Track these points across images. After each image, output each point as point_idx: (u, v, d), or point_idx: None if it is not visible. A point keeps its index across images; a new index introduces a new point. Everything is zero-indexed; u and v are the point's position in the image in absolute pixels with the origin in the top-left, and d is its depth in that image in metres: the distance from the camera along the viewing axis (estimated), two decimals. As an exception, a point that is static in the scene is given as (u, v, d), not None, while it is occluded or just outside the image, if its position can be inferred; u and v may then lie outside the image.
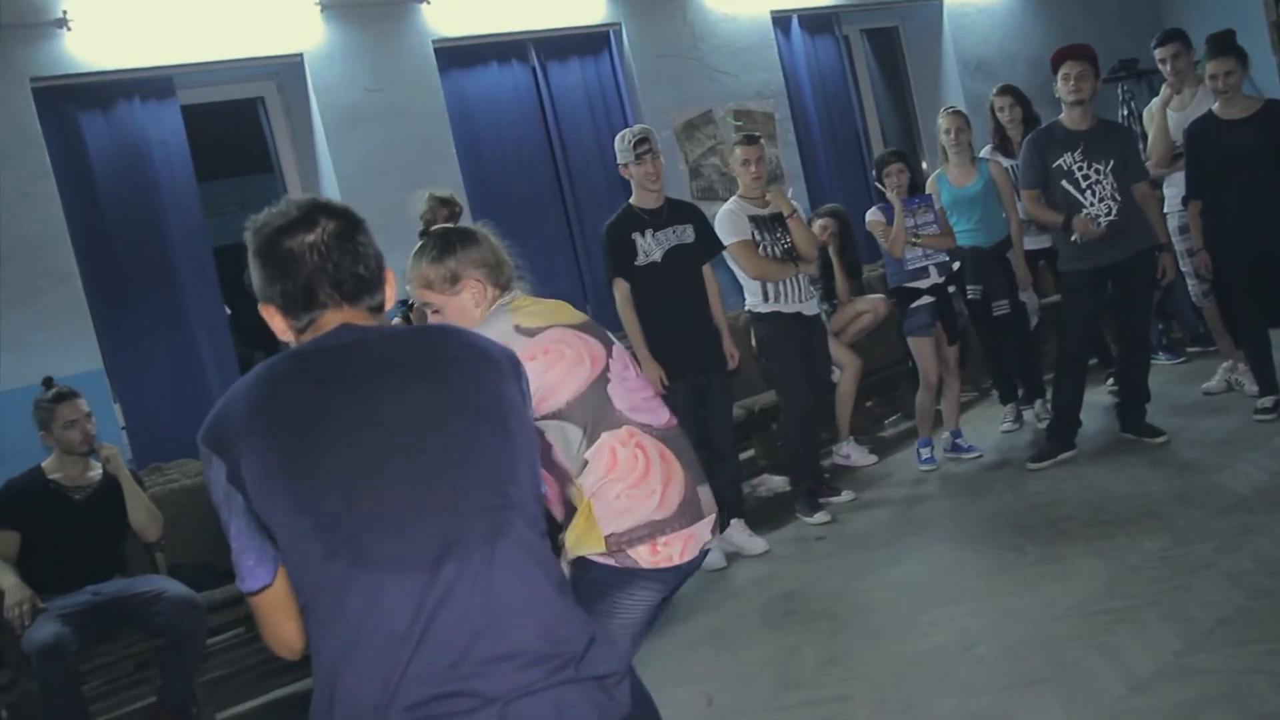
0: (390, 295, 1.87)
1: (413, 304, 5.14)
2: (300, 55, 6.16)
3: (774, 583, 4.68)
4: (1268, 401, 5.22)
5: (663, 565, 2.43)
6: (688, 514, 2.46)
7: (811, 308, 5.46)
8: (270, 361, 1.76)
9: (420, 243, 2.69)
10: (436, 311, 2.61)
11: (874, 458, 6.21)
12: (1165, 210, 5.84)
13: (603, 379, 2.49)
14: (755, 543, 5.10)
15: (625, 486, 2.42)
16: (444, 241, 2.63)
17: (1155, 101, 5.92)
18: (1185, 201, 5.48)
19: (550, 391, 2.42)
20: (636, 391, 2.55)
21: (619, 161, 5.10)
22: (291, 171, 6.51)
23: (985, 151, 6.36)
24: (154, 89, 5.76)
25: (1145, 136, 6.08)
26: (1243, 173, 5.09)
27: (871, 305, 6.29)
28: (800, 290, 5.35)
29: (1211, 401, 5.76)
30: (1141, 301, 5.33)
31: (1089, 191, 5.14)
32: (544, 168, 6.93)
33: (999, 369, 6.35)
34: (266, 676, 4.87)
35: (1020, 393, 6.30)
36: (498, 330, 2.44)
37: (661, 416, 2.56)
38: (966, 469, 5.67)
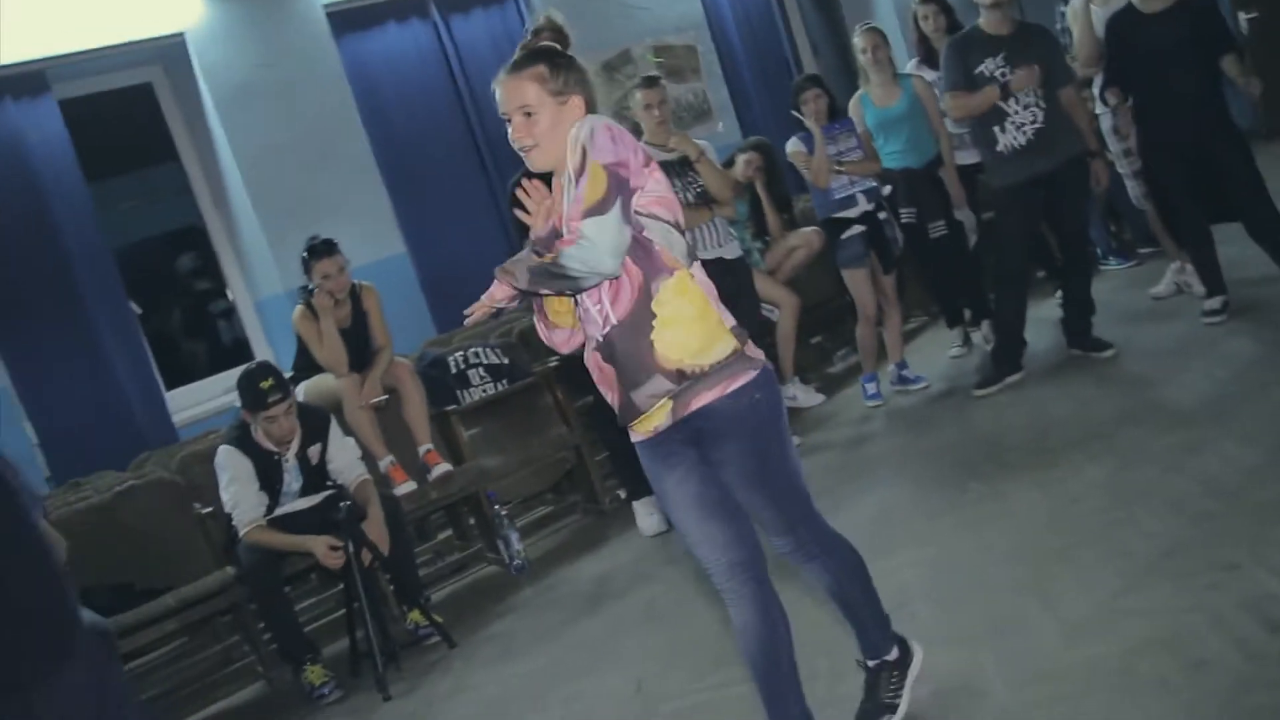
0: None
1: (313, 288, 4.89)
2: (182, 35, 5.86)
3: (714, 545, 4.48)
4: (1215, 303, 5.01)
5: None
6: None
7: (733, 250, 5.21)
8: None
9: (534, 48, 2.48)
10: (529, 115, 2.39)
11: (821, 397, 6.00)
12: (1097, 111, 5.59)
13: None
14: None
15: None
16: (569, 57, 2.48)
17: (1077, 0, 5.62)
18: (1103, 92, 5.18)
19: (665, 203, 2.42)
20: None
21: None
22: (191, 158, 6.23)
23: (911, 66, 6.08)
24: (26, 86, 5.48)
25: (1071, 36, 5.80)
26: (1171, 68, 4.80)
27: (804, 239, 6.05)
28: (718, 234, 5.10)
29: (1161, 307, 5.54)
30: (1075, 211, 5.10)
31: (1012, 99, 4.89)
32: (457, 127, 6.66)
33: (942, 292, 6.13)
34: (200, 692, 4.71)
35: (966, 315, 6.08)
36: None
37: None
38: (913, 401, 5.47)
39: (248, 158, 5.92)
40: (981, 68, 4.93)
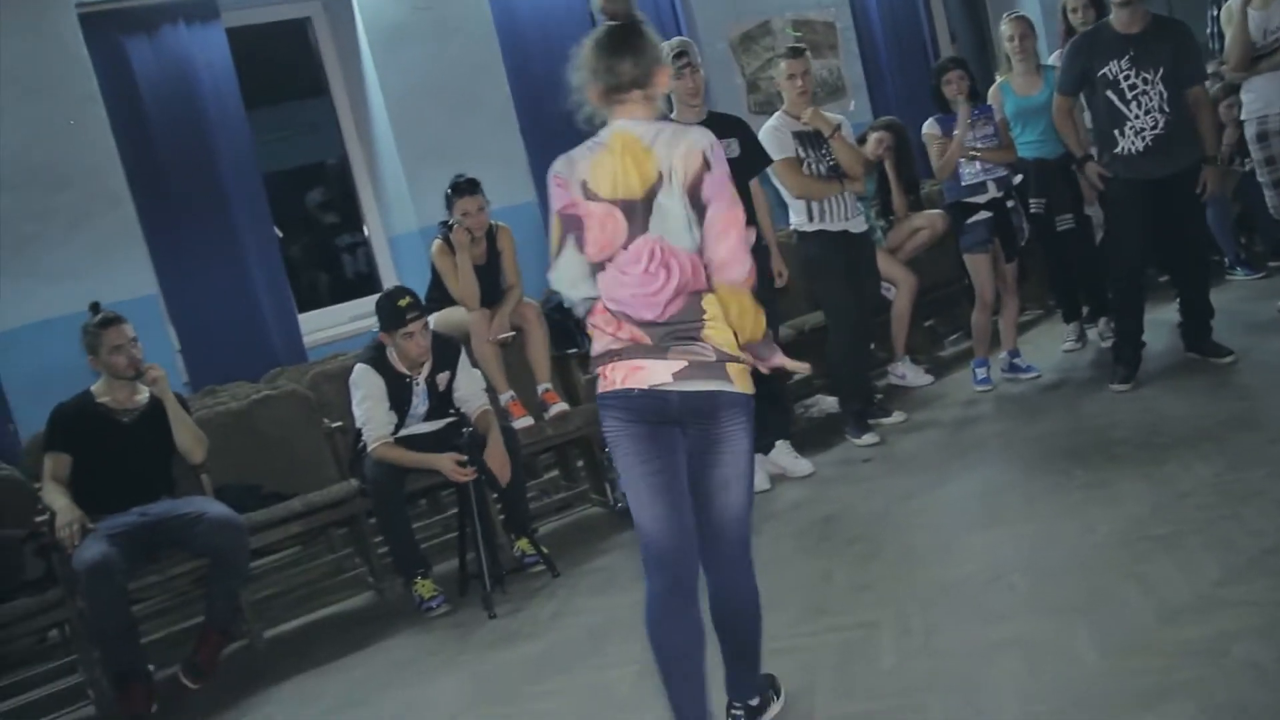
0: None
1: (452, 224, 5.11)
2: (345, -27, 6.10)
3: (815, 506, 4.62)
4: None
5: (609, 389, 2.64)
6: (639, 353, 2.59)
7: (859, 225, 5.29)
8: None
9: None
10: None
11: (930, 378, 6.07)
12: (1243, 117, 5.52)
13: (600, 266, 2.61)
14: (800, 465, 5.03)
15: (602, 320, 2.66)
16: None
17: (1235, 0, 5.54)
18: None
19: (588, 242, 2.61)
20: (628, 288, 2.59)
21: None
22: (341, 94, 6.48)
23: (1054, 58, 6.07)
24: (198, 11, 5.75)
25: (1223, 38, 5.72)
26: None
27: (929, 221, 6.09)
28: (846, 208, 5.19)
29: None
30: (1191, 217, 5.07)
31: (1134, 103, 4.87)
32: (595, 85, 6.79)
33: (1063, 285, 6.14)
34: (313, 596, 4.99)
35: (1085, 311, 6.08)
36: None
37: (645, 315, 2.59)
38: (1023, 390, 5.51)
39: (395, 97, 6.15)
40: (1105, 69, 4.91)
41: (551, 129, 6.59)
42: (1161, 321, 5.53)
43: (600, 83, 2.62)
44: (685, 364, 2.57)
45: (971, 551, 3.75)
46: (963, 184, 5.45)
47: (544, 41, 6.59)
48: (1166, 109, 4.87)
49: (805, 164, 5.12)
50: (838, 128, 5.19)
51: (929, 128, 5.61)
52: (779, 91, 5.52)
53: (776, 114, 5.25)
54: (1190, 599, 3.03)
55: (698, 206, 2.52)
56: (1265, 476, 3.70)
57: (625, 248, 2.56)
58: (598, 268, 2.62)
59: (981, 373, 5.67)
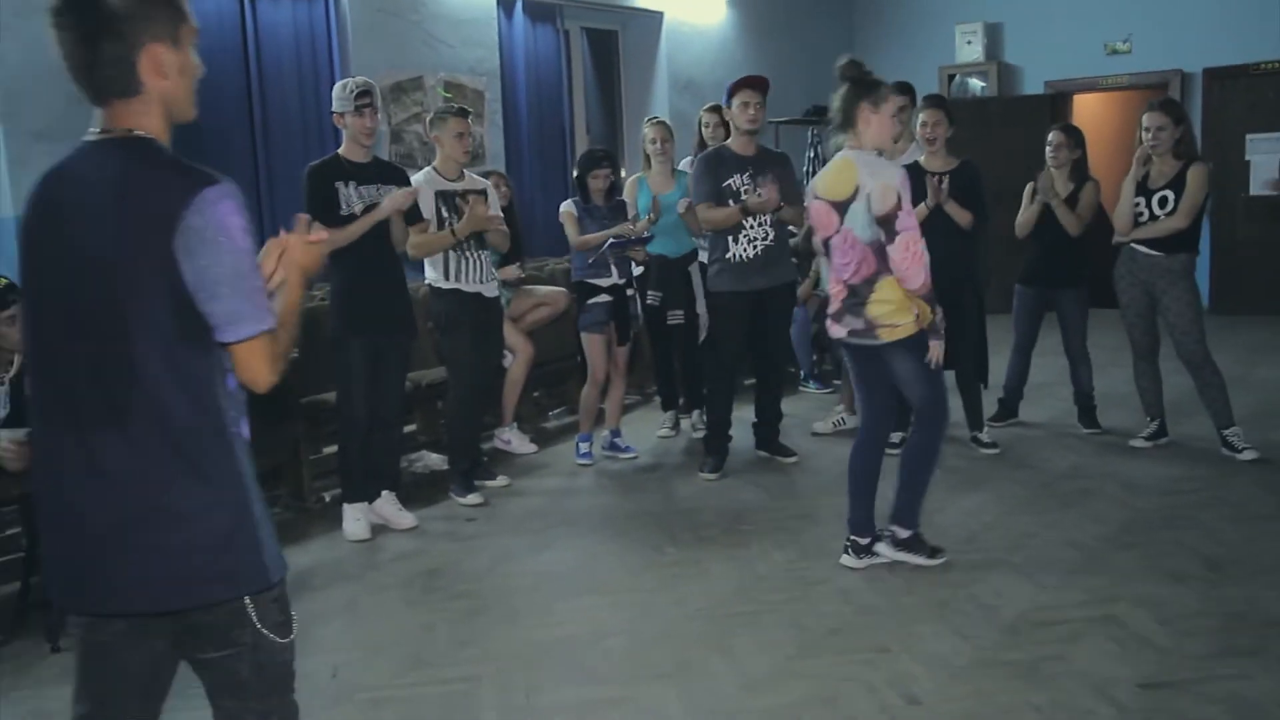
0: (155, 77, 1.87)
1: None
2: (-30, -71, 5.52)
3: (419, 559, 4.62)
4: (895, 436, 5.70)
5: None
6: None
7: (491, 289, 5.43)
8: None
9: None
10: None
11: (534, 447, 6.27)
12: None
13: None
14: (404, 517, 5.02)
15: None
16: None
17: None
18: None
19: None
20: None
21: (335, 109, 4.89)
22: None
23: (685, 164, 6.56)
24: None
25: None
26: (935, 219, 5.36)
27: (552, 298, 6.35)
28: (482, 271, 5.31)
29: (846, 431, 6.21)
30: (777, 330, 5.64)
31: (751, 217, 5.41)
32: (236, 104, 6.52)
33: (664, 376, 6.58)
34: None
35: (681, 401, 6.55)
36: None
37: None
38: (621, 468, 5.84)
39: (9, 70, 5.60)
40: (730, 181, 5.46)
41: (184, 140, 6.22)
42: (746, 420, 6.07)
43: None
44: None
45: (572, 614, 3.92)
46: (589, 263, 5.71)
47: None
48: (774, 228, 5.45)
49: (447, 223, 5.19)
50: (482, 192, 5.32)
51: (567, 207, 5.87)
52: (423, 146, 5.48)
53: (426, 169, 5.31)
54: (768, 671, 3.37)
55: (887, 229, 3.88)
56: (829, 567, 4.19)
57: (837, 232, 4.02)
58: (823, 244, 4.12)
59: (584, 448, 5.95)
